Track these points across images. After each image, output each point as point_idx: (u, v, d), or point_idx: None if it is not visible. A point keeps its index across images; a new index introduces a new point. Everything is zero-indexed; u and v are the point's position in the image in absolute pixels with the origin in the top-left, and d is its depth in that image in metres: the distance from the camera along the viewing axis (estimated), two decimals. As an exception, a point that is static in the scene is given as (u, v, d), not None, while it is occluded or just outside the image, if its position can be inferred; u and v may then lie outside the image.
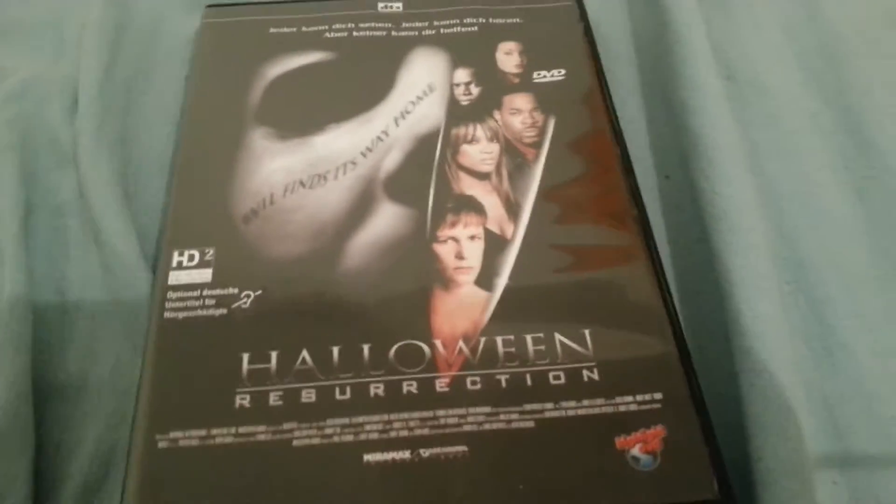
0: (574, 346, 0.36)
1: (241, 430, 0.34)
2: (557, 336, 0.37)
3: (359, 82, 0.46)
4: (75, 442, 0.38)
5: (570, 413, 0.34)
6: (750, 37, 0.53)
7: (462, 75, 0.47)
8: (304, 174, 0.42)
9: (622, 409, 0.35)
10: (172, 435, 0.34)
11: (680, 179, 0.45)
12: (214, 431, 0.34)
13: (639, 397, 0.35)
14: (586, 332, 0.37)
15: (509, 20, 0.49)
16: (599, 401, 0.35)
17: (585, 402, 0.35)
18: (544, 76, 0.46)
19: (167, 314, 0.37)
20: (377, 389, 0.35)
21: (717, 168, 0.42)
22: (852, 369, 0.39)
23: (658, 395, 0.35)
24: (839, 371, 0.39)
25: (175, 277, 0.38)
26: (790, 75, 0.51)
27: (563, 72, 0.47)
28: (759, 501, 0.34)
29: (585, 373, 0.35)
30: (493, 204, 0.41)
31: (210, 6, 0.51)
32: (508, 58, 0.47)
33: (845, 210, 0.44)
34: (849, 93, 0.49)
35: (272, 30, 0.49)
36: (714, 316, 0.39)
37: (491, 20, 0.49)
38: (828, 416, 0.38)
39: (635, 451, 0.33)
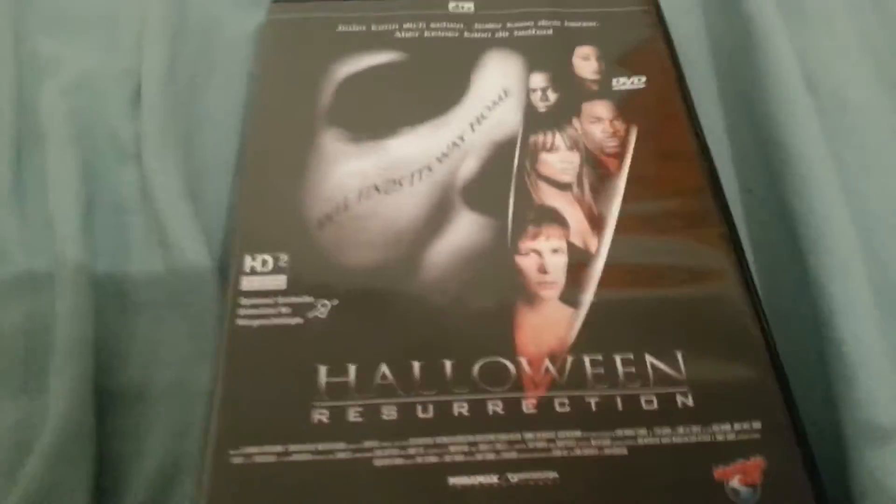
0: (666, 368, 0.35)
1: (320, 446, 0.32)
2: (648, 358, 0.35)
3: (432, 84, 0.45)
4: (138, 453, 0.36)
5: (665, 441, 0.33)
6: (828, 46, 0.51)
7: (538, 80, 0.45)
8: (379, 179, 0.41)
9: (719, 437, 0.33)
10: (246, 450, 0.32)
11: (764, 194, 0.43)
12: (291, 448, 0.32)
13: (737, 426, 0.33)
14: (678, 353, 0.35)
15: (585, 24, 0.48)
16: (695, 428, 0.33)
17: (680, 430, 0.33)
18: (624, 83, 0.45)
19: (240, 321, 0.36)
20: (461, 408, 0.33)
21: (809, 185, 0.40)
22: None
23: (757, 424, 0.33)
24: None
25: (248, 283, 0.37)
26: (871, 87, 0.49)
27: (643, 79, 0.45)
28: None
29: (679, 398, 0.34)
30: (575, 216, 0.39)
31: (276, 1, 0.49)
32: (586, 63, 0.46)
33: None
34: None
35: (340, 28, 0.47)
36: (808, 342, 0.37)
37: (566, 23, 0.48)
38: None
39: (735, 482, 0.32)
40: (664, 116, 0.43)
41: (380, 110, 0.43)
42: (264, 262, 0.37)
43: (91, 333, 0.38)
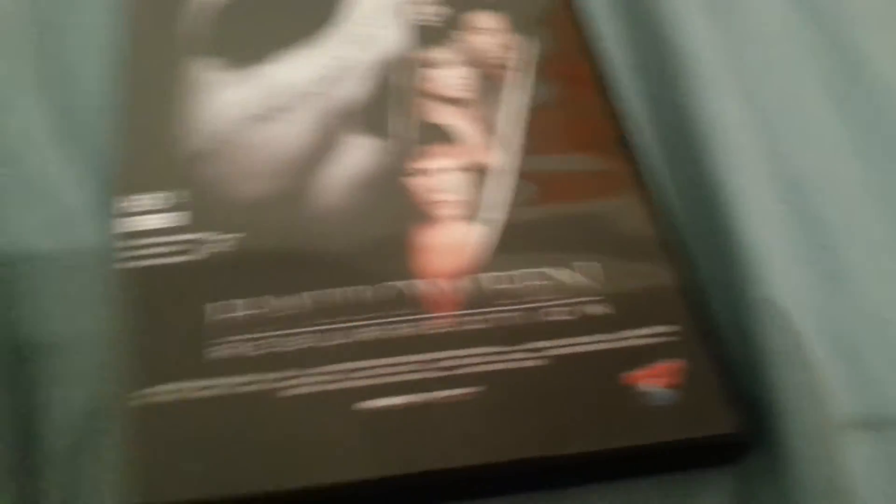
0: (576, 279, 0.34)
1: (224, 381, 0.31)
2: (556, 270, 0.34)
3: (309, 3, 0.42)
4: (48, 403, 0.34)
5: (578, 349, 0.32)
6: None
7: (426, -5, 0.43)
8: (260, 107, 0.38)
9: (633, 343, 0.32)
10: (146, 391, 0.30)
11: (665, 98, 0.43)
12: (194, 384, 0.30)
13: (649, 330, 0.33)
14: (587, 264, 0.34)
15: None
16: (608, 335, 0.32)
17: (593, 337, 0.32)
18: (514, -6, 0.43)
19: (126, 263, 0.33)
20: (365, 334, 0.32)
21: (704, 83, 0.40)
22: (858, 293, 0.38)
23: (670, 328, 0.33)
24: (845, 295, 0.38)
25: (132, 224, 0.34)
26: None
27: (535, -10, 0.44)
28: (777, 434, 0.32)
29: (592, 307, 0.33)
30: (467, 132, 0.38)
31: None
32: (475, -24, 0.44)
33: (834, 124, 0.43)
34: None
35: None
36: (714, 243, 0.37)
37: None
38: (840, 342, 0.36)
39: (649, 385, 0.31)
40: (555, 24, 0.42)
41: (255, 35, 0.41)
42: (147, 203, 0.35)
43: None
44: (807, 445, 0.31)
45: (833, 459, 0.31)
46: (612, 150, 0.38)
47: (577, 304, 0.33)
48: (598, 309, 0.33)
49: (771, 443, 0.32)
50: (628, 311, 0.33)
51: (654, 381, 0.32)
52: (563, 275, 0.34)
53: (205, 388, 0.31)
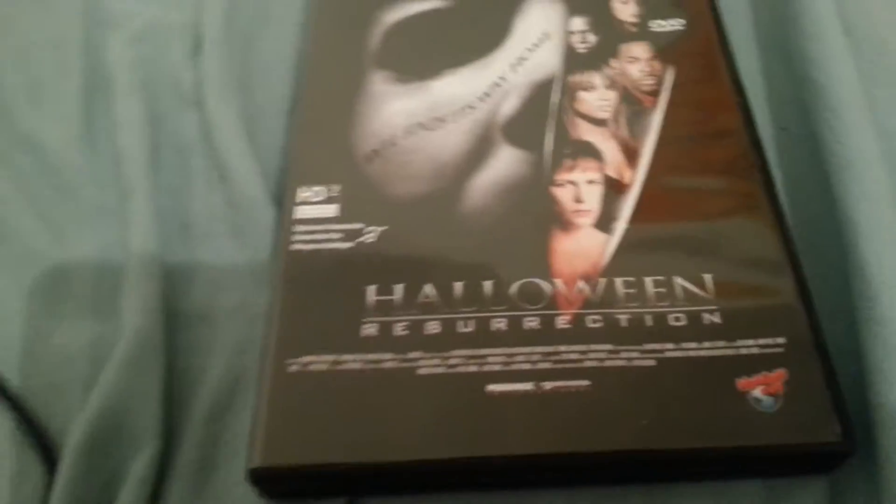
0: (694, 288, 0.36)
1: (369, 357, 0.35)
2: (677, 279, 0.37)
3: (475, 29, 0.47)
4: (203, 368, 0.39)
5: (692, 354, 0.35)
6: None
7: (578, 24, 0.47)
8: (424, 117, 0.43)
9: (743, 351, 0.35)
10: (303, 360, 0.35)
11: (798, 132, 0.44)
12: (343, 357, 0.35)
13: (761, 341, 0.35)
14: (707, 276, 0.37)
15: (625, -31, 0.49)
16: (720, 343, 0.35)
17: (707, 344, 0.35)
18: (662, 26, 0.46)
19: (294, 246, 0.38)
20: (499, 324, 0.36)
21: (840, 119, 0.41)
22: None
23: (780, 339, 0.35)
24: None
25: (301, 212, 0.40)
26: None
27: (681, 21, 0.46)
28: (878, 447, 0.33)
29: (706, 315, 0.36)
30: (610, 150, 0.41)
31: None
32: (625, 7, 0.47)
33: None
34: None
35: (388, -23, 0.49)
36: (837, 267, 0.39)
37: (606, -31, 0.49)
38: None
39: (757, 392, 0.34)
40: (701, 57, 0.45)
41: (425, 54, 0.46)
42: (316, 193, 0.40)
43: (158, 260, 0.41)
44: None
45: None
46: (744, 173, 0.40)
47: (693, 311, 0.36)
48: (713, 318, 0.36)
49: (867, 455, 0.34)
50: (742, 322, 0.35)
51: (762, 388, 0.34)
52: (684, 284, 0.37)
53: (354, 360, 0.35)
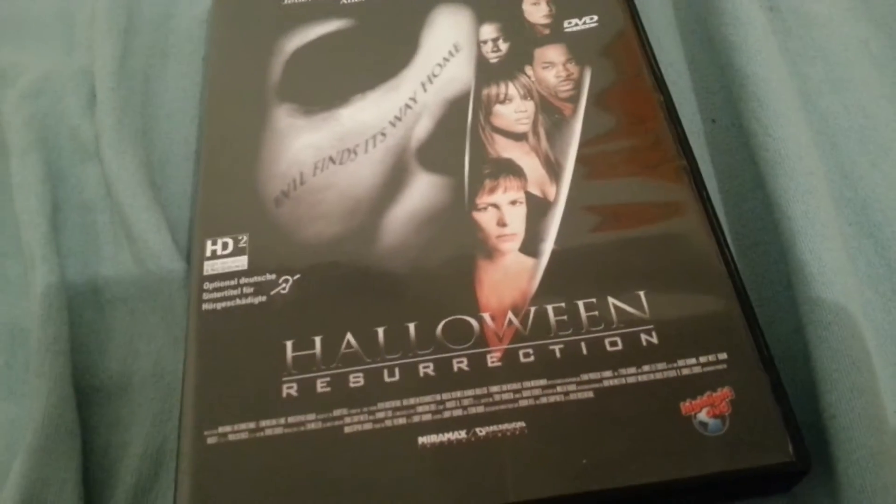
0: (629, 309, 0.34)
1: (291, 419, 0.33)
2: (611, 300, 0.35)
3: (381, 48, 0.44)
4: (123, 443, 0.37)
5: (631, 380, 0.33)
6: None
7: (488, 31, 0.44)
8: (333, 150, 0.41)
9: (685, 372, 0.33)
10: (221, 430, 0.33)
11: (728, 122, 0.43)
12: (263, 423, 0.33)
13: (702, 359, 0.33)
14: (641, 293, 0.35)
15: (533, -32, 0.47)
16: (661, 365, 0.33)
17: (646, 368, 0.33)
18: (576, 24, 0.44)
19: (205, 305, 0.36)
20: (426, 369, 0.34)
21: (768, 108, 0.39)
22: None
23: (723, 356, 0.33)
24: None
25: (210, 267, 0.37)
26: (836, 1, 0.48)
27: (594, 18, 0.44)
28: (834, 462, 0.32)
29: (643, 336, 0.34)
30: (532, 165, 0.39)
31: (221, -18, 0.49)
32: (536, 8, 0.45)
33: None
34: None
35: (285, 1, 0.47)
36: (775, 267, 0.37)
37: (513, -30, 0.47)
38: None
39: (702, 415, 0.32)
40: (618, 54, 0.43)
41: (330, 80, 0.43)
42: (224, 245, 0.38)
43: (66, 333, 0.38)
44: (861, 474, 0.31)
45: (889, 490, 0.30)
46: (672, 177, 0.38)
47: (629, 333, 0.34)
48: (650, 338, 0.34)
49: (825, 471, 0.32)
50: (681, 339, 0.34)
51: (707, 409, 0.32)
52: (617, 303, 0.35)
53: (275, 425, 0.33)
